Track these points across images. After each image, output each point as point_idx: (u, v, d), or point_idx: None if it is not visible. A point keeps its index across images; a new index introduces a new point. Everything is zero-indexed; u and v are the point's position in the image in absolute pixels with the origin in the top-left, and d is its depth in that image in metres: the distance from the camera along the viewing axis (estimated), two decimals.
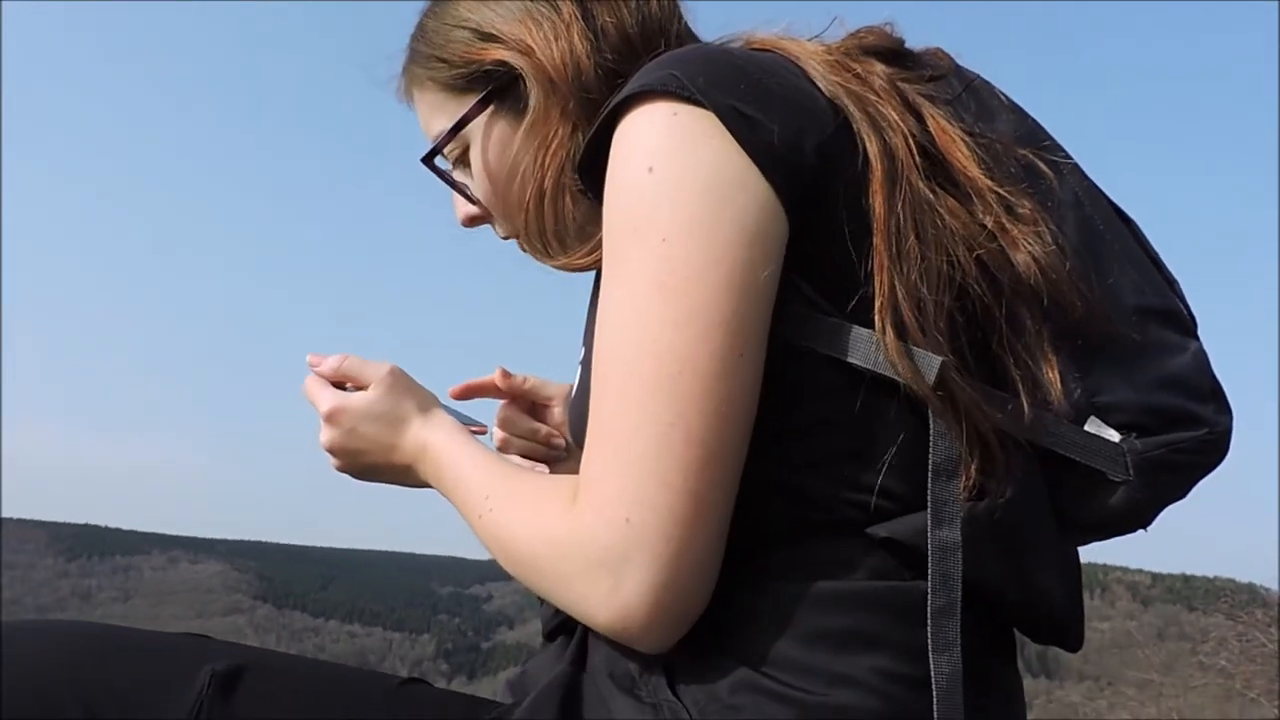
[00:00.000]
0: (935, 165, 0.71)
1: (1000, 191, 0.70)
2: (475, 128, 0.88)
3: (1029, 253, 0.69)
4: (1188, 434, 0.72)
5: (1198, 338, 0.77)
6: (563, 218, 0.84)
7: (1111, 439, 0.71)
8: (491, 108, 0.86)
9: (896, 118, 0.71)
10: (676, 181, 0.65)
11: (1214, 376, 0.76)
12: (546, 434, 1.07)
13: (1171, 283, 0.79)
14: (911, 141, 0.70)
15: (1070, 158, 0.78)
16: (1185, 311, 0.78)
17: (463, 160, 0.91)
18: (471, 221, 0.94)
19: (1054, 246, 0.70)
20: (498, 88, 0.86)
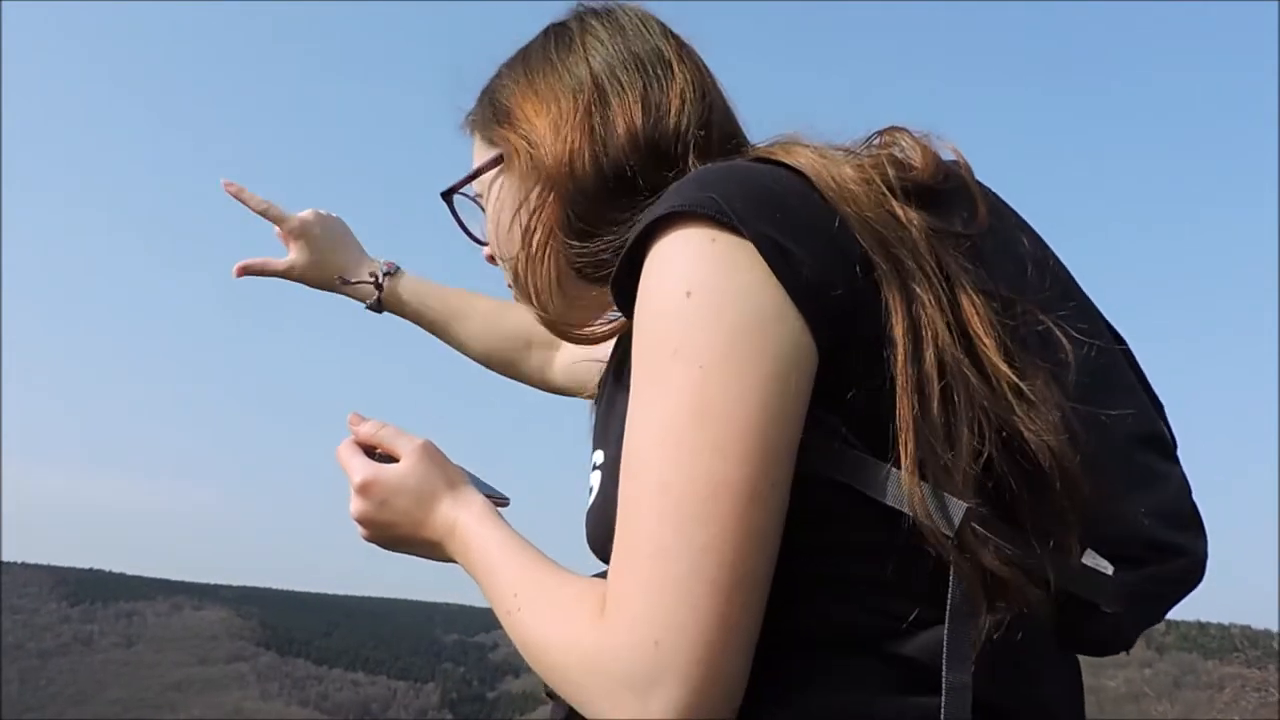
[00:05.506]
0: (960, 338, 0.72)
1: (1016, 380, 0.71)
2: (488, 179, 0.94)
3: (1044, 440, 0.70)
4: (1172, 564, 0.76)
5: (1178, 461, 0.80)
6: (547, 280, 0.88)
7: (1106, 572, 0.73)
8: (501, 167, 0.92)
9: (929, 284, 0.71)
10: (715, 309, 0.66)
11: (1193, 502, 0.78)
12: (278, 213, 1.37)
13: (1158, 406, 0.81)
14: (941, 316, 0.70)
15: (1078, 289, 0.81)
16: (1168, 435, 0.80)
17: (480, 203, 0.99)
18: (490, 260, 1.00)
19: (1065, 435, 0.70)
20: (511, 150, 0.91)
